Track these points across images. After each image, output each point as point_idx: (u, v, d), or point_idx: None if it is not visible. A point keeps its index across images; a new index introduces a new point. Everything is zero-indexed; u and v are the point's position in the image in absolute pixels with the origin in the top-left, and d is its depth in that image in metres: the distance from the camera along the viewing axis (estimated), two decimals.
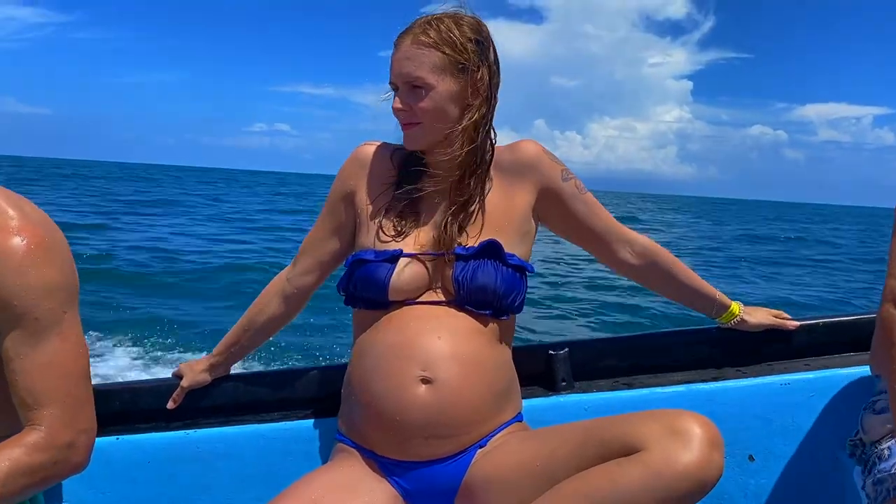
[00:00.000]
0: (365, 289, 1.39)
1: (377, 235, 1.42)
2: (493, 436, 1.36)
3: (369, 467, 1.37)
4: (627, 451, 1.15)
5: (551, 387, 1.68)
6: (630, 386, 1.70)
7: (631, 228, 1.60)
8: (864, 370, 1.63)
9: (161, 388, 1.63)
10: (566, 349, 1.70)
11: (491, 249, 1.38)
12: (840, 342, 1.76)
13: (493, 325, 1.40)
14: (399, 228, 1.42)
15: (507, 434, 1.37)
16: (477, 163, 1.41)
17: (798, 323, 1.72)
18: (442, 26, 1.36)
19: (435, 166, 1.43)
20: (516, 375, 1.47)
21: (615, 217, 1.57)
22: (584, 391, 1.68)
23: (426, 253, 1.40)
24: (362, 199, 1.48)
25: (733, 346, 1.73)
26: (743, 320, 1.66)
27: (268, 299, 1.58)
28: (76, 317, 1.20)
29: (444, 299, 1.39)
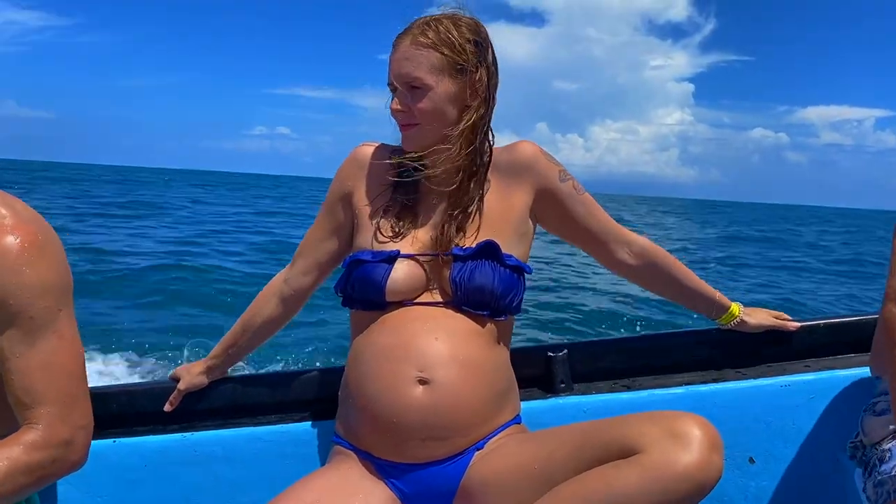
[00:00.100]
0: (362, 289, 1.38)
1: (375, 236, 1.42)
2: (491, 438, 1.36)
3: (367, 470, 1.37)
4: (626, 453, 1.14)
5: (550, 388, 1.68)
6: (629, 388, 1.70)
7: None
8: (865, 372, 1.62)
9: (158, 391, 1.63)
10: (565, 351, 1.69)
11: (488, 250, 1.38)
12: (841, 343, 1.76)
13: (490, 326, 1.39)
14: (397, 229, 1.42)
15: (506, 436, 1.37)
16: (475, 164, 1.41)
17: (798, 324, 1.72)
18: (441, 27, 1.36)
19: (433, 167, 1.42)
20: (514, 377, 1.46)
21: None
22: (583, 393, 1.67)
23: (423, 253, 1.39)
24: (360, 199, 1.48)
25: (733, 348, 1.72)
26: (743, 321, 1.66)
27: (265, 301, 1.58)
28: (71, 315, 1.20)
29: (441, 300, 1.39)
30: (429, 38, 1.35)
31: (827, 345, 1.76)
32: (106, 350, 6.18)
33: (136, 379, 5.32)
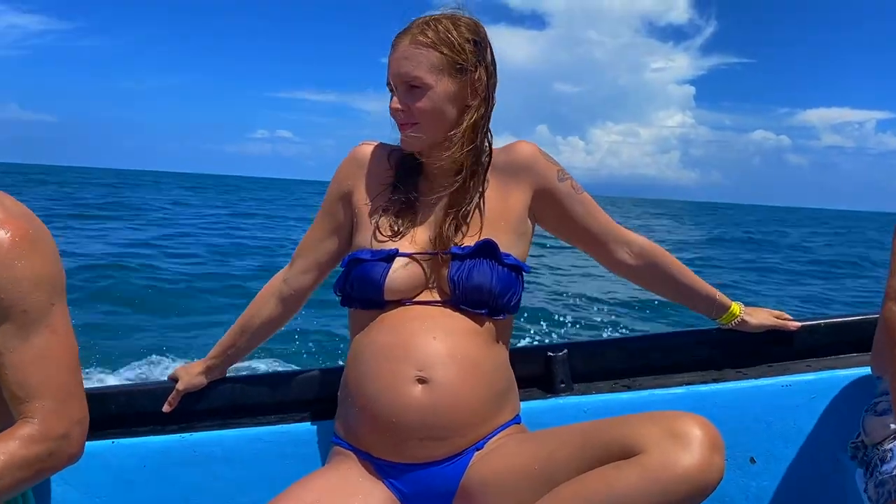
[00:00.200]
0: (361, 288, 1.38)
1: (374, 235, 1.42)
2: (490, 438, 1.35)
3: (366, 470, 1.36)
4: (627, 453, 1.14)
5: (550, 389, 1.67)
6: (629, 388, 1.69)
7: None
8: (866, 371, 1.62)
9: (157, 391, 1.62)
10: (565, 351, 1.69)
11: (487, 249, 1.38)
12: (842, 343, 1.75)
13: (489, 326, 1.39)
14: (396, 228, 1.42)
15: (505, 436, 1.36)
16: (475, 164, 1.42)
17: (799, 324, 1.71)
18: (440, 27, 1.36)
19: (432, 167, 1.43)
20: (514, 377, 1.46)
21: None
22: (583, 393, 1.67)
23: (422, 252, 1.39)
24: (359, 198, 1.48)
25: (734, 348, 1.72)
26: (744, 321, 1.65)
27: (264, 301, 1.57)
28: (64, 308, 1.20)
29: (439, 299, 1.39)
30: (428, 38, 1.35)
31: (828, 344, 1.75)
32: None
33: None
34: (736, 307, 1.65)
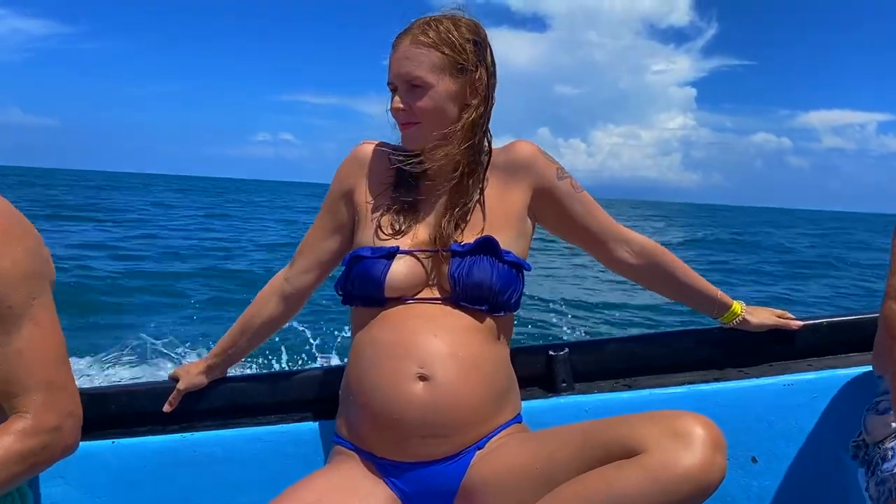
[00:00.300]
0: (361, 285, 1.39)
1: (376, 233, 1.42)
2: (491, 437, 1.35)
3: (367, 469, 1.36)
4: (628, 453, 1.14)
5: (551, 388, 1.67)
6: (630, 387, 1.69)
7: None
8: (868, 371, 1.62)
9: (157, 391, 1.62)
10: (566, 350, 1.69)
11: (487, 246, 1.38)
12: (843, 342, 1.75)
13: (490, 324, 1.39)
14: (397, 226, 1.42)
15: (506, 436, 1.36)
16: (474, 162, 1.42)
17: (801, 323, 1.71)
18: (441, 27, 1.37)
19: (432, 164, 1.43)
20: (514, 376, 1.46)
21: None
22: (585, 392, 1.67)
23: (422, 249, 1.40)
24: (361, 197, 1.48)
25: (735, 347, 1.72)
26: (745, 320, 1.65)
27: (265, 300, 1.58)
28: (49, 302, 1.19)
29: (440, 296, 1.39)
30: (429, 38, 1.36)
31: (830, 344, 1.75)
32: None
33: None
34: (737, 306, 1.65)
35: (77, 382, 1.25)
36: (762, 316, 1.67)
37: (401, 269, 1.37)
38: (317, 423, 1.62)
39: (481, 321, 1.38)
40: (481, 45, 1.40)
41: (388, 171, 1.48)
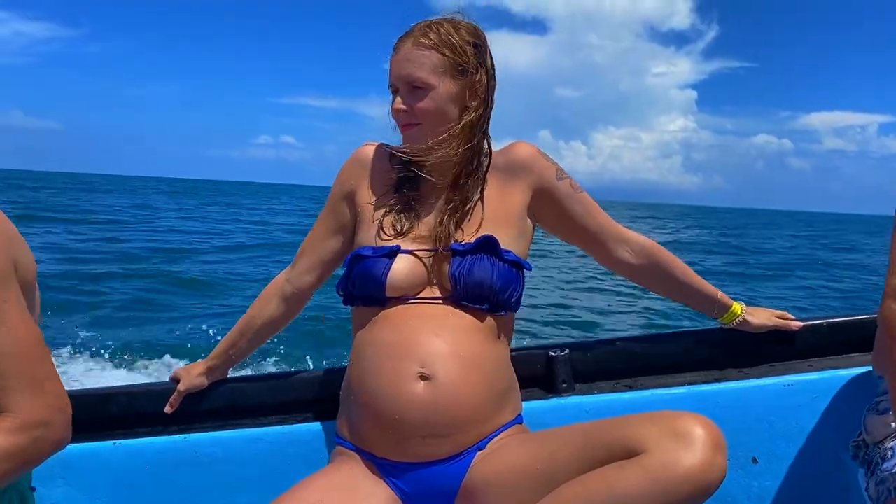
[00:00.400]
0: (363, 285, 1.39)
1: (377, 234, 1.43)
2: (492, 438, 1.35)
3: (369, 470, 1.36)
4: (628, 453, 1.14)
5: (551, 389, 1.67)
6: (631, 388, 1.69)
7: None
8: (868, 371, 1.62)
9: (158, 392, 1.62)
10: (566, 351, 1.69)
11: (487, 245, 1.39)
12: (844, 342, 1.75)
13: (491, 324, 1.40)
14: (398, 227, 1.43)
15: (507, 436, 1.36)
16: (474, 164, 1.43)
17: (801, 323, 1.71)
18: (441, 29, 1.39)
19: (433, 167, 1.44)
20: (515, 377, 1.46)
21: None
22: (585, 393, 1.67)
23: (423, 249, 1.40)
24: (362, 198, 1.49)
25: (735, 347, 1.72)
26: (745, 321, 1.65)
27: (266, 301, 1.58)
28: (16, 299, 1.16)
29: (441, 296, 1.39)
30: (430, 40, 1.37)
31: (830, 344, 1.75)
32: None
33: None
34: (737, 307, 1.65)
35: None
36: (762, 316, 1.68)
37: (402, 269, 1.37)
38: (318, 423, 1.62)
39: (482, 321, 1.38)
40: (481, 48, 1.42)
41: (390, 173, 1.49)
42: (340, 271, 1.50)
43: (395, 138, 1.47)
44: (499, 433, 1.36)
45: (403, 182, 1.47)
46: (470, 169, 1.43)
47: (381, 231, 1.42)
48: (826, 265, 19.87)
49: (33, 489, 1.32)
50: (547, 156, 1.50)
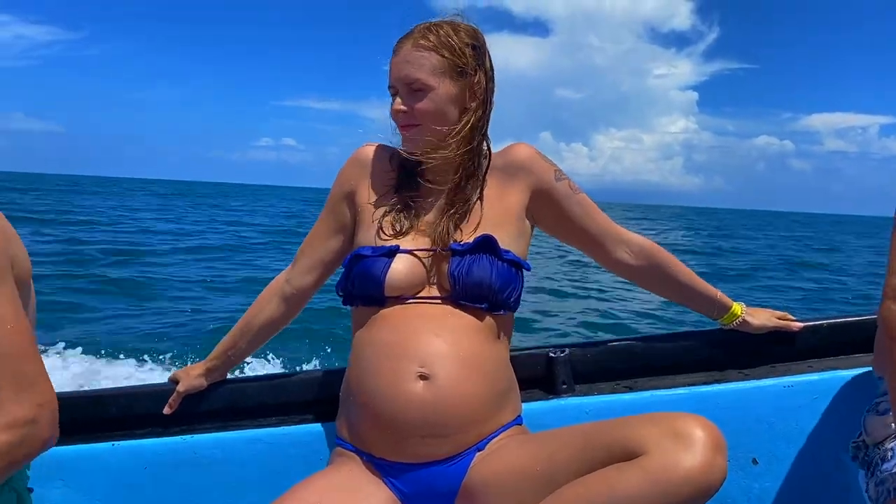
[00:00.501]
0: (362, 284, 1.39)
1: (377, 233, 1.43)
2: (492, 438, 1.35)
3: (368, 471, 1.36)
4: (629, 454, 1.13)
5: (551, 390, 1.67)
6: (631, 389, 1.69)
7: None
8: (868, 371, 1.62)
9: (157, 394, 1.62)
10: (566, 352, 1.69)
11: (486, 244, 1.39)
12: (844, 343, 1.75)
13: (491, 324, 1.40)
14: (398, 227, 1.43)
15: (507, 437, 1.36)
16: (474, 165, 1.44)
17: (802, 324, 1.71)
18: (441, 31, 1.40)
19: (432, 168, 1.45)
20: (515, 377, 1.46)
21: None
22: (585, 394, 1.67)
23: (422, 249, 1.41)
24: (362, 198, 1.50)
25: (735, 348, 1.72)
26: (745, 321, 1.65)
27: (266, 301, 1.58)
28: (9, 293, 1.16)
29: (440, 295, 1.39)
30: (430, 42, 1.38)
31: (830, 345, 1.75)
32: None
33: None
34: (737, 307, 1.65)
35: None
36: (763, 317, 1.67)
37: (401, 268, 1.38)
38: (317, 424, 1.62)
39: (481, 320, 1.38)
40: (480, 50, 1.43)
41: (390, 173, 1.50)
42: (339, 272, 1.50)
43: (396, 140, 1.47)
44: (498, 434, 1.36)
45: (403, 183, 1.48)
46: (470, 170, 1.44)
47: (380, 231, 1.43)
48: (795, 265, 19.97)
49: (30, 490, 1.32)
50: (545, 157, 1.50)
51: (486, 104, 1.43)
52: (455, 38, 1.39)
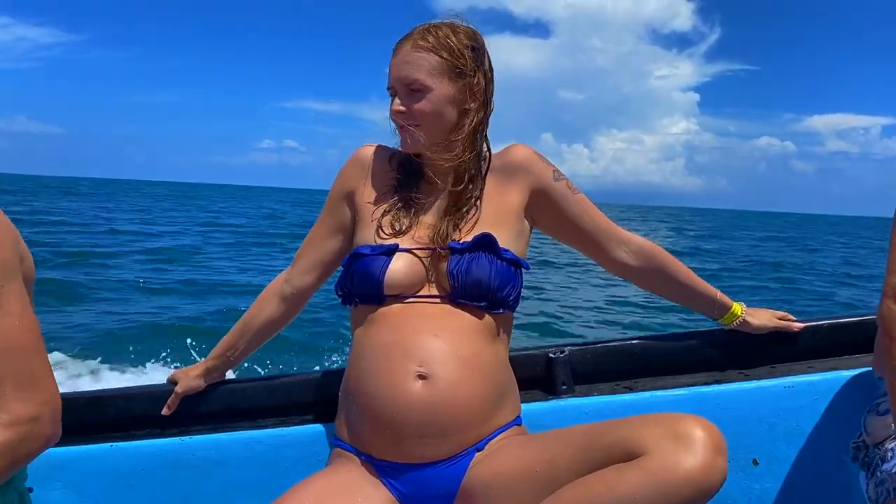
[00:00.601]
0: (361, 283, 1.39)
1: (376, 233, 1.43)
2: (491, 439, 1.35)
3: (367, 471, 1.36)
4: (629, 455, 1.13)
5: (551, 391, 1.66)
6: (631, 389, 1.68)
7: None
8: (869, 372, 1.62)
9: (156, 395, 1.61)
10: (566, 352, 1.68)
11: (485, 243, 1.39)
12: (844, 344, 1.75)
13: (491, 324, 1.40)
14: (397, 227, 1.43)
15: (506, 438, 1.36)
16: (474, 166, 1.45)
17: (802, 324, 1.71)
18: (440, 33, 1.40)
19: (432, 168, 1.45)
20: (514, 378, 1.46)
21: None
22: (585, 395, 1.66)
23: (421, 247, 1.41)
24: (362, 198, 1.50)
25: (736, 348, 1.71)
26: (745, 322, 1.65)
27: (265, 301, 1.58)
28: (18, 290, 1.16)
29: (438, 294, 1.39)
30: (429, 43, 1.39)
31: (831, 345, 1.74)
32: None
33: None
34: (737, 307, 1.64)
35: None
36: (763, 318, 1.67)
37: (400, 267, 1.38)
38: (316, 425, 1.61)
39: (482, 322, 1.38)
40: (479, 51, 1.43)
41: (389, 173, 1.50)
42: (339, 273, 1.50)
43: (395, 141, 1.48)
44: (498, 434, 1.36)
45: (403, 182, 1.48)
46: (470, 171, 1.44)
47: (380, 230, 1.43)
48: (766, 265, 20.09)
49: (30, 490, 1.32)
50: (544, 157, 1.51)
51: (485, 105, 1.44)
52: (454, 39, 1.40)
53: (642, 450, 1.12)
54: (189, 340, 6.46)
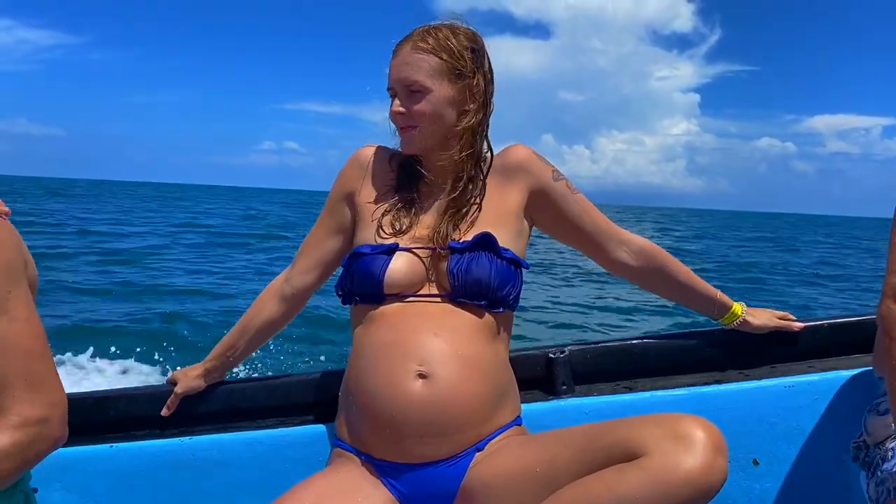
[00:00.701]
0: (360, 282, 1.40)
1: (376, 232, 1.44)
2: (491, 438, 1.35)
3: (367, 471, 1.36)
4: (629, 456, 1.13)
5: (551, 391, 1.66)
6: (631, 389, 1.68)
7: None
8: (869, 371, 1.61)
9: (156, 395, 1.62)
10: (566, 352, 1.68)
11: (485, 242, 1.39)
12: (845, 343, 1.75)
13: (491, 323, 1.40)
14: (397, 226, 1.44)
15: (507, 438, 1.36)
16: (474, 167, 1.45)
17: (802, 324, 1.71)
18: (440, 34, 1.41)
19: (432, 169, 1.46)
20: (514, 377, 1.46)
21: None
22: (585, 395, 1.66)
23: (421, 247, 1.41)
24: (362, 199, 1.50)
25: (736, 348, 1.71)
26: (746, 321, 1.65)
27: (265, 301, 1.58)
28: (24, 294, 1.17)
29: (438, 293, 1.39)
30: (428, 44, 1.39)
31: (831, 345, 1.74)
32: None
33: None
34: (738, 307, 1.64)
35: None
36: (763, 317, 1.67)
37: (400, 266, 1.38)
38: (316, 426, 1.61)
39: (482, 322, 1.38)
40: (479, 53, 1.43)
41: (389, 174, 1.50)
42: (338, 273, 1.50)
43: (395, 141, 1.48)
44: (498, 434, 1.36)
45: (403, 183, 1.48)
46: (470, 171, 1.44)
47: (380, 229, 1.43)
48: (739, 265, 20.07)
49: (35, 490, 1.32)
50: (543, 157, 1.51)
51: (485, 106, 1.44)
52: (454, 40, 1.40)
53: (642, 450, 1.12)
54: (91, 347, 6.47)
